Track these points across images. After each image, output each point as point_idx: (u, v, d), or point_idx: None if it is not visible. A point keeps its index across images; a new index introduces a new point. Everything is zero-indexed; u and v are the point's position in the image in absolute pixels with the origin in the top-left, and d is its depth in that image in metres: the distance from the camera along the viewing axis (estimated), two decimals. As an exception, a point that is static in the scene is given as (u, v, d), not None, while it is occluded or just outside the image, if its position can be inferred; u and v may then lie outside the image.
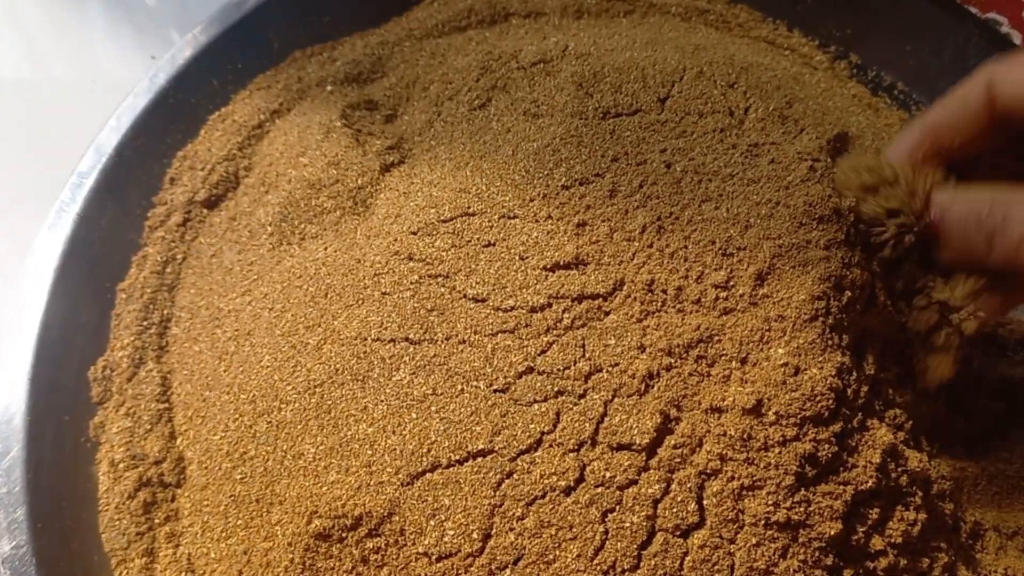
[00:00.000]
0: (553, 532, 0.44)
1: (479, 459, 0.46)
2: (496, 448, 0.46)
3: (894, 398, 0.52)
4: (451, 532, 0.45)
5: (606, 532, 0.44)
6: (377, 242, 0.56)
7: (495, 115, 0.63)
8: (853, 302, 0.50)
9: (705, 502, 0.44)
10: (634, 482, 0.45)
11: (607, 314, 0.50)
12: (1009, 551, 0.53)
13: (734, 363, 0.47)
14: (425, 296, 0.52)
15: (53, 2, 0.91)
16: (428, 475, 0.46)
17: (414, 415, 0.48)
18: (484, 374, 0.48)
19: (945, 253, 0.49)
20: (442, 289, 0.52)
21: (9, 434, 0.55)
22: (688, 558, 0.44)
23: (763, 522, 0.44)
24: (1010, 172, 0.51)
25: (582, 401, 0.47)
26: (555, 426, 0.46)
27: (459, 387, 0.48)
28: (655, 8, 0.77)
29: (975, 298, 0.49)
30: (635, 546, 0.44)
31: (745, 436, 0.45)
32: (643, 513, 0.44)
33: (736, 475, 0.44)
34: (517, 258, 0.52)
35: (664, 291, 0.50)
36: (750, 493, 0.44)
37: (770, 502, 0.44)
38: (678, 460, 0.45)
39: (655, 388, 0.47)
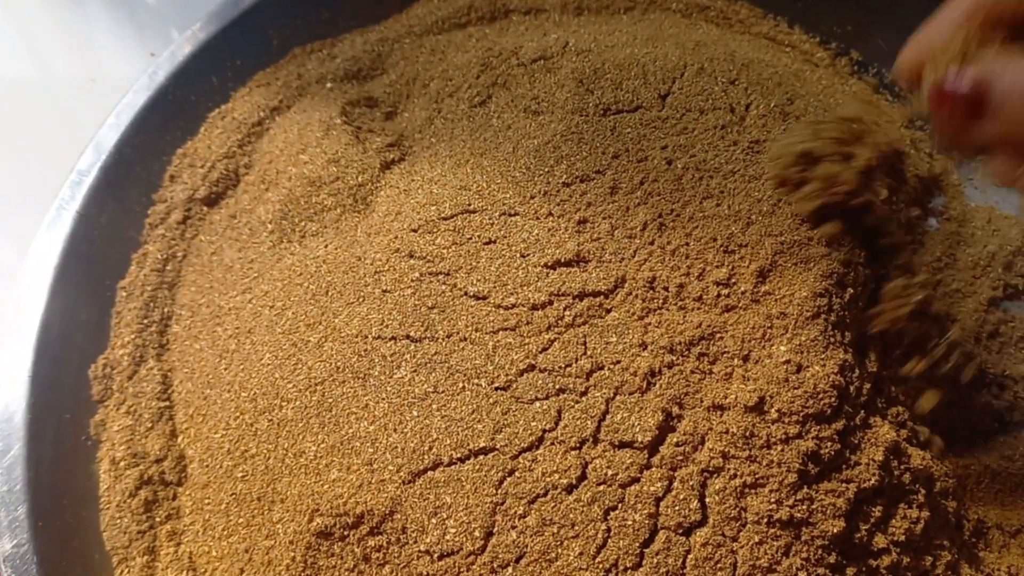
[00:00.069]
0: (555, 530, 0.44)
1: (481, 457, 0.46)
2: (498, 446, 0.46)
3: (896, 395, 0.52)
4: (453, 530, 0.45)
5: (608, 530, 0.44)
6: (378, 240, 0.56)
7: (495, 112, 0.63)
8: (855, 299, 0.49)
9: (707, 500, 0.44)
10: (636, 480, 0.45)
11: (608, 311, 0.49)
12: (1012, 549, 0.53)
13: (736, 360, 0.47)
14: (426, 294, 0.52)
15: (53, 0, 0.90)
16: (430, 473, 0.46)
17: (415, 413, 0.48)
18: (485, 372, 0.48)
19: (990, 127, 0.43)
20: (443, 287, 0.52)
21: (10, 432, 0.54)
22: (691, 556, 0.43)
23: (766, 520, 0.44)
24: None
25: (584, 399, 0.47)
26: (557, 424, 0.46)
27: (460, 385, 0.48)
28: (656, 4, 0.77)
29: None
30: (637, 544, 0.44)
31: (747, 434, 0.45)
32: (645, 511, 0.44)
33: (738, 473, 0.44)
34: (518, 255, 0.52)
35: (666, 288, 0.50)
36: (752, 491, 0.44)
37: (773, 500, 0.44)
38: (680, 458, 0.45)
39: (657, 386, 0.47)
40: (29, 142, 0.81)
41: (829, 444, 0.45)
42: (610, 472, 0.45)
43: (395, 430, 0.47)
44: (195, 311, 0.61)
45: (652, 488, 0.44)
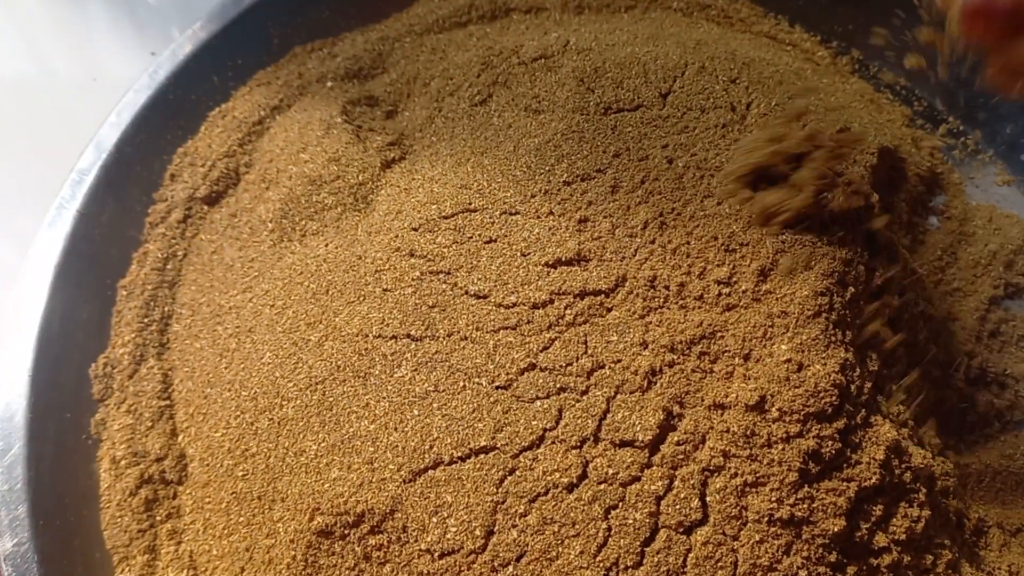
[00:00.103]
0: (556, 529, 0.44)
1: (481, 456, 0.46)
2: (498, 445, 0.46)
3: (897, 394, 0.52)
4: (454, 529, 0.45)
5: (609, 529, 0.44)
6: (378, 238, 0.56)
7: (496, 111, 0.63)
8: (856, 298, 0.49)
9: (708, 499, 0.44)
10: (637, 479, 0.45)
11: (609, 310, 0.49)
12: (1013, 548, 0.53)
13: (737, 359, 0.47)
14: (426, 292, 0.52)
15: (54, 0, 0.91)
16: (430, 472, 0.46)
17: (416, 412, 0.48)
18: (486, 371, 0.48)
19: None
20: (444, 286, 0.52)
21: (11, 431, 0.54)
22: (691, 555, 0.43)
23: (766, 519, 0.43)
24: None
25: (584, 398, 0.47)
26: (557, 423, 0.46)
27: (461, 384, 0.48)
28: (656, 3, 0.77)
29: None
30: (638, 543, 0.44)
31: (748, 433, 0.45)
32: (646, 510, 0.44)
33: (739, 472, 0.44)
34: (519, 254, 0.52)
35: (666, 287, 0.50)
36: (753, 490, 0.44)
37: (773, 499, 0.44)
38: (681, 457, 0.45)
39: (658, 384, 0.47)
40: (30, 141, 0.81)
41: (830, 443, 0.45)
42: (611, 471, 0.45)
43: (396, 429, 0.47)
44: (195, 310, 0.61)
45: (653, 487, 0.44)
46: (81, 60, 0.87)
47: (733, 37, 0.74)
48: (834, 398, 0.45)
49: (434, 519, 0.45)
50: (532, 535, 0.44)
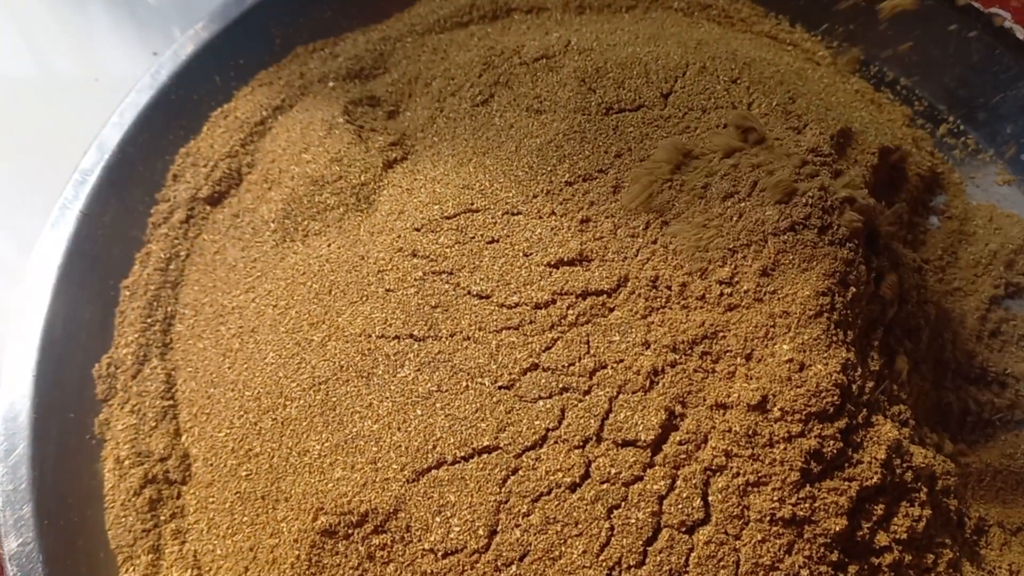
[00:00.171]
0: (559, 528, 0.44)
1: (484, 456, 0.46)
2: (501, 445, 0.46)
3: (899, 394, 0.52)
4: (457, 529, 0.45)
5: (611, 528, 0.44)
6: (381, 239, 0.56)
7: (498, 111, 0.63)
8: (858, 298, 0.49)
9: (710, 498, 0.45)
10: (639, 478, 0.45)
11: (611, 310, 0.50)
12: (1013, 547, 0.53)
13: (739, 359, 0.47)
14: (429, 293, 0.52)
15: (55, 0, 0.91)
16: (434, 472, 0.46)
17: (419, 412, 0.48)
18: (489, 371, 0.48)
19: None
20: (446, 286, 0.52)
21: (15, 431, 0.55)
22: (694, 554, 0.44)
23: (768, 518, 0.44)
24: None
25: (587, 398, 0.47)
26: (560, 423, 0.46)
27: (464, 384, 0.48)
28: (657, 3, 0.77)
29: None
30: (641, 542, 0.44)
31: (750, 432, 0.45)
32: (648, 509, 0.44)
33: (741, 471, 0.44)
34: (521, 254, 0.52)
35: (668, 287, 0.50)
36: (755, 489, 0.44)
37: (775, 498, 0.44)
38: (683, 456, 0.45)
39: (660, 384, 0.47)
40: (31, 141, 0.81)
41: (831, 442, 0.45)
42: (613, 471, 0.45)
43: (399, 429, 0.48)
44: (198, 310, 0.61)
45: (655, 486, 0.44)
46: (83, 60, 0.87)
47: (734, 37, 0.74)
48: (835, 398, 0.45)
49: (437, 519, 0.45)
50: (535, 535, 0.44)
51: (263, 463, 0.51)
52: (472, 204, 0.55)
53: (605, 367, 0.48)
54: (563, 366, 0.48)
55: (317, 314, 0.54)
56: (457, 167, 0.59)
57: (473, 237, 0.53)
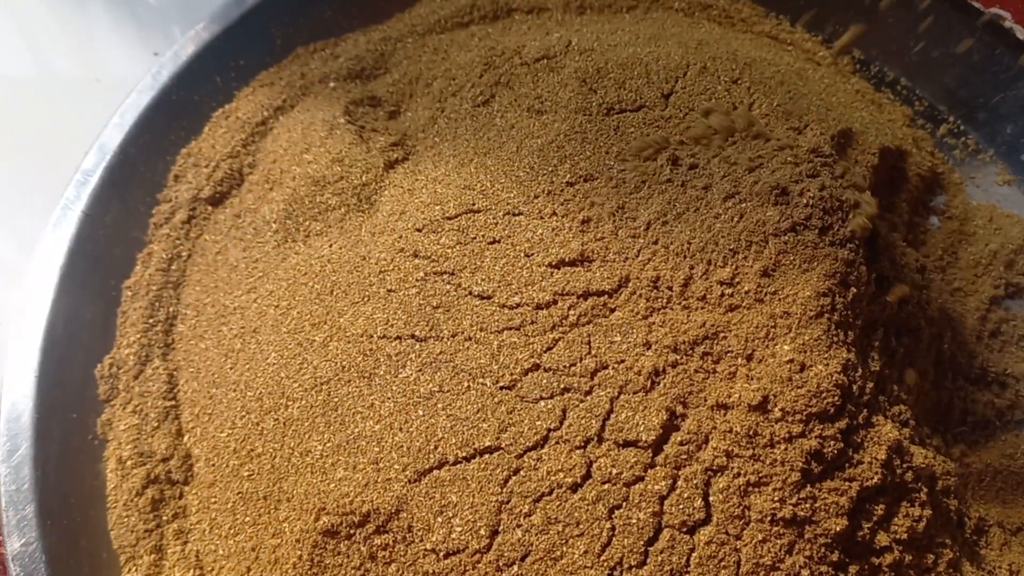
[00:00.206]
0: (560, 529, 0.44)
1: (486, 456, 0.46)
2: (503, 445, 0.46)
3: (899, 394, 0.52)
4: (459, 529, 0.45)
5: (613, 528, 0.44)
6: (382, 239, 0.56)
7: (499, 111, 0.63)
8: (859, 298, 0.50)
9: (711, 499, 0.45)
10: (640, 479, 0.45)
11: (613, 311, 0.50)
12: (1013, 547, 0.54)
13: (740, 360, 0.47)
14: (431, 293, 0.52)
15: (55, 0, 0.90)
16: (435, 472, 0.46)
17: (421, 412, 0.48)
18: (490, 371, 0.48)
19: None
20: (447, 286, 0.52)
21: (17, 431, 0.55)
22: (695, 554, 0.44)
23: (769, 518, 0.44)
24: None
25: (588, 398, 0.47)
26: (561, 423, 0.46)
27: (465, 384, 0.48)
28: (658, 3, 0.77)
29: None
30: (642, 542, 0.44)
31: (751, 433, 0.45)
32: (649, 510, 0.44)
33: (742, 472, 0.44)
34: (522, 255, 0.52)
35: (669, 288, 0.50)
36: (756, 489, 0.44)
37: (776, 498, 0.44)
38: (684, 457, 0.45)
39: (661, 385, 0.47)
40: (32, 142, 0.81)
41: (832, 443, 0.45)
42: (614, 471, 0.45)
43: (401, 429, 0.48)
44: (200, 311, 0.61)
45: (656, 487, 0.45)
46: (83, 61, 0.87)
47: (734, 37, 0.74)
48: (836, 398, 0.45)
49: (439, 519, 0.45)
50: (536, 535, 0.44)
51: (265, 463, 0.51)
52: (473, 204, 0.55)
53: (606, 367, 0.48)
54: (564, 366, 0.48)
55: (319, 314, 0.55)
56: (458, 167, 0.59)
57: (474, 237, 0.54)
